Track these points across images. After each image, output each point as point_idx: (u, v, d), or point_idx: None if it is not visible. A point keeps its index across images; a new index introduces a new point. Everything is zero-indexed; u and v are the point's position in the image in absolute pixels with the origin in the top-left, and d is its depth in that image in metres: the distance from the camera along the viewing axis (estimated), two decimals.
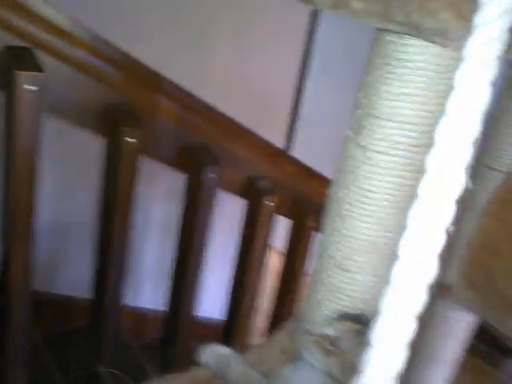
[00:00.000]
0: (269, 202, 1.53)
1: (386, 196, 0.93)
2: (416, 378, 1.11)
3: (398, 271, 0.42)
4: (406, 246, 0.42)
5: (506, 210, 0.92)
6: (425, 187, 0.41)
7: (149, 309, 2.57)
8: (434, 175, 0.41)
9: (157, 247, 2.39)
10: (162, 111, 1.31)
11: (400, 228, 1.04)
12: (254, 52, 2.28)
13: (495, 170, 1.21)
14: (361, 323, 0.99)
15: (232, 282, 1.70)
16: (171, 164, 1.44)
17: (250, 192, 1.56)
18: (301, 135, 2.74)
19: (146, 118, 1.26)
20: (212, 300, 2.10)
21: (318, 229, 1.79)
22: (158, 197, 2.23)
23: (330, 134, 2.55)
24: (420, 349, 1.39)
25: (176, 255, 1.53)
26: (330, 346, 0.95)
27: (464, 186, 0.42)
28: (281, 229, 1.83)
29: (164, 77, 1.32)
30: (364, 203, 0.95)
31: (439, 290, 1.46)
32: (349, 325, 0.98)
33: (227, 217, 1.82)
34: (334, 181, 1.02)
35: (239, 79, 2.27)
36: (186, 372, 1.04)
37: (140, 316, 2.25)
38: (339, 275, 1.03)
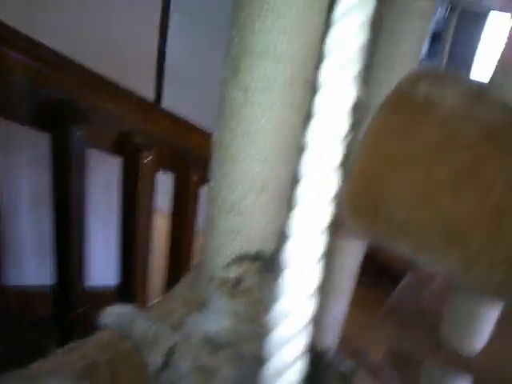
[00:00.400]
0: (147, 158, 1.46)
1: (270, 136, 0.94)
2: None
3: (301, 191, 0.42)
4: (307, 165, 0.42)
5: (384, 135, 0.99)
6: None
7: (34, 286, 2.41)
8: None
9: (33, 222, 2.20)
10: (10, 64, 1.15)
11: (286, 165, 1.05)
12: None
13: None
14: (260, 261, 1.02)
15: (120, 247, 1.63)
16: (32, 124, 1.30)
17: (126, 148, 1.48)
18: (169, 93, 2.69)
19: None
20: (102, 267, 2.01)
21: (202, 183, 1.77)
22: (23, 166, 2.02)
23: (197, 86, 2.61)
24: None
25: (54, 228, 1.41)
26: (234, 288, 0.97)
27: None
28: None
29: (13, 29, 1.16)
30: (249, 145, 0.95)
31: (332, 222, 1.55)
32: (248, 265, 1.00)
33: (105, 177, 1.71)
34: (217, 126, 1.00)
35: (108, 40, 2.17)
36: (87, 338, 0.99)
37: (25, 294, 2.10)
38: (233, 219, 1.03)
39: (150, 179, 1.53)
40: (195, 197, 1.73)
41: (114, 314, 1.02)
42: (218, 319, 0.99)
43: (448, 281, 2.03)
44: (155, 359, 1.02)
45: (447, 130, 0.83)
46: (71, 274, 1.45)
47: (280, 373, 0.39)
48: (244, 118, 0.94)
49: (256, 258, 1.02)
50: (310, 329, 0.41)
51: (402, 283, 2.02)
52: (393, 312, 1.86)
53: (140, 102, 1.56)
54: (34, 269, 2.25)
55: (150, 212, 1.56)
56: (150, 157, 1.49)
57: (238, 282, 0.96)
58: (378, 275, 1.86)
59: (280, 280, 0.41)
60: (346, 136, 0.41)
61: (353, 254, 1.58)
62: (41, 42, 1.23)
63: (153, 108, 1.61)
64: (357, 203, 1.12)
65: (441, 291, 2.01)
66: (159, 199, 1.68)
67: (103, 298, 1.94)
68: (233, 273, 0.99)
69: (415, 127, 1.00)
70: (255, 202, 1.02)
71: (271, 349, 0.40)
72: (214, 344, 0.96)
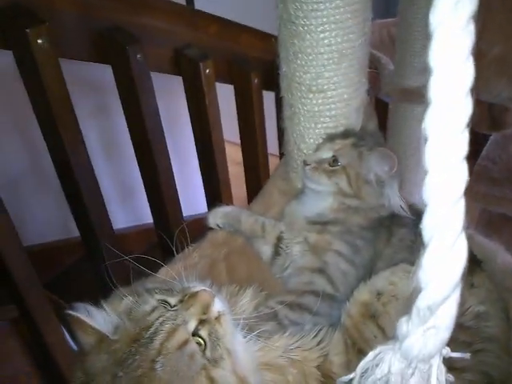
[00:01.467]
0: (206, 69, 1.42)
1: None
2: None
3: None
4: None
5: None
6: None
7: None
8: None
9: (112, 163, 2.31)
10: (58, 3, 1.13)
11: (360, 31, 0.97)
12: None
13: None
14: (352, 137, 0.99)
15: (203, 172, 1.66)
16: (91, 58, 1.29)
17: (182, 64, 1.45)
18: None
19: (45, 15, 1.08)
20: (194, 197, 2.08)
21: (262, 86, 1.72)
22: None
23: None
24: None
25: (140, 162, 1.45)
26: (330, 166, 0.96)
27: None
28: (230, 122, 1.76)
29: None
30: (318, 10, 0.89)
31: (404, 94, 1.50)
32: (341, 142, 0.98)
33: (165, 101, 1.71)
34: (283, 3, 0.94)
35: None
36: (202, 239, 1.04)
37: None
38: (313, 98, 1.01)
39: (214, 92, 1.50)
40: (259, 100, 1.69)
41: (220, 214, 1.06)
42: (318, 201, 1.00)
43: None
44: (265, 249, 1.05)
45: None
46: (170, 207, 1.52)
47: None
48: None
49: (346, 134, 1.01)
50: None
51: (488, 143, 1.95)
52: (483, 173, 1.82)
53: (182, 10, 1.51)
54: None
55: (218, 122, 1.55)
56: (209, 69, 1.45)
57: (334, 159, 0.96)
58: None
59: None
60: None
61: None
62: None
63: (196, 14, 1.54)
64: None
65: None
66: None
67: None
68: (326, 153, 0.98)
69: None
70: (334, 76, 0.98)
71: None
72: (319, 224, 0.97)
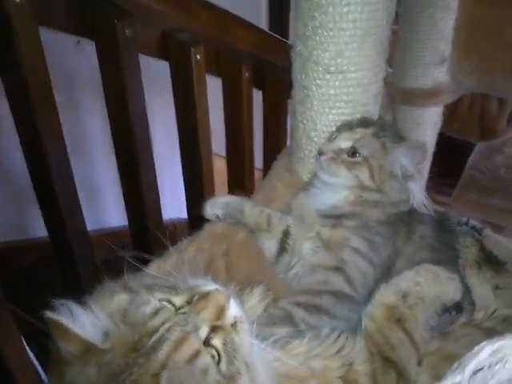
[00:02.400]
0: (197, 54, 1.32)
1: None
2: None
3: None
4: None
5: None
6: None
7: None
8: None
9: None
10: None
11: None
12: None
13: None
14: (370, 126, 0.91)
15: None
16: (76, 31, 1.17)
17: (172, 47, 1.34)
18: None
19: None
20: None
21: (254, 83, 1.63)
22: None
23: None
24: None
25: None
26: (349, 157, 0.86)
27: None
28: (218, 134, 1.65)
29: None
30: None
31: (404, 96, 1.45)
32: (361, 130, 0.89)
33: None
34: None
35: None
36: (200, 231, 0.92)
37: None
38: (330, 80, 0.92)
39: (203, 80, 1.40)
40: (249, 96, 1.59)
41: (220, 204, 0.94)
42: (332, 193, 0.91)
43: None
44: (270, 245, 0.92)
45: None
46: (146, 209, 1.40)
47: None
48: None
49: (366, 123, 0.90)
50: None
51: (474, 153, 1.94)
52: (471, 182, 1.80)
53: None
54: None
55: (205, 112, 1.44)
56: (199, 55, 1.35)
57: (354, 150, 0.86)
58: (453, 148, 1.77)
59: None
60: None
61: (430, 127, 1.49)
62: None
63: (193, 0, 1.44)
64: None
65: None
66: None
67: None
68: (345, 142, 0.88)
69: None
70: (355, 56, 0.88)
71: None
72: (333, 217, 0.88)
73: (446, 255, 0.87)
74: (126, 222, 1.57)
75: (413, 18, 1.33)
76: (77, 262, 1.36)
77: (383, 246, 0.84)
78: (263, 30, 1.67)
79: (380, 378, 0.68)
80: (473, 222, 0.94)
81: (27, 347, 1.13)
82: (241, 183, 1.76)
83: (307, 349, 0.68)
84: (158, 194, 1.47)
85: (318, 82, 0.90)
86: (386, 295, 0.76)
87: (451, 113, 1.58)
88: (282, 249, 0.91)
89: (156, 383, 0.49)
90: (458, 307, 0.81)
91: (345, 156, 0.87)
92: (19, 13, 0.95)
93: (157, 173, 1.45)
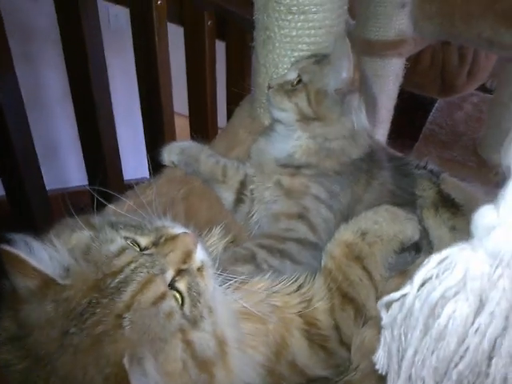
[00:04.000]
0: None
1: None
2: None
3: None
4: None
5: None
6: None
7: None
8: None
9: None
10: None
11: None
12: None
13: None
14: (315, 56, 0.88)
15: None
16: None
17: None
18: None
19: None
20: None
21: (217, 34, 1.58)
22: None
23: None
24: None
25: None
26: (292, 87, 0.86)
27: None
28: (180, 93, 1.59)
29: None
30: None
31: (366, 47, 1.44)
32: (305, 62, 0.88)
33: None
34: None
35: None
36: (158, 176, 0.90)
37: None
38: (292, 21, 0.89)
39: (165, 28, 1.35)
40: (212, 46, 1.55)
41: (177, 150, 0.92)
42: (288, 139, 0.88)
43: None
44: (227, 196, 0.92)
45: None
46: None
47: None
48: None
49: (313, 55, 0.90)
50: None
51: (434, 110, 1.97)
52: (431, 137, 1.83)
53: None
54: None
55: (167, 62, 1.40)
56: (159, 0, 1.30)
57: (298, 79, 0.86)
58: (414, 104, 1.79)
59: None
60: None
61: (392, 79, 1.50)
62: None
63: None
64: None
65: (472, 114, 1.99)
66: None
67: None
68: (291, 73, 0.88)
69: None
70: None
71: None
72: (291, 167, 0.86)
73: (405, 200, 0.88)
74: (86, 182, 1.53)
75: None
76: (36, 222, 1.33)
77: (342, 194, 0.85)
78: None
79: (338, 315, 0.69)
80: (431, 166, 0.96)
81: None
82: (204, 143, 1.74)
83: (267, 285, 0.68)
84: (118, 152, 1.44)
85: (279, 22, 0.88)
86: (345, 234, 0.76)
87: (413, 67, 1.58)
88: (239, 200, 0.91)
89: (119, 324, 0.48)
90: (416, 247, 0.83)
91: (289, 87, 0.87)
92: None
93: (118, 132, 1.41)
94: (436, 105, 2.01)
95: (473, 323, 0.31)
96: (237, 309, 0.63)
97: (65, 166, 2.40)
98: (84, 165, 1.50)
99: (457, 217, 0.88)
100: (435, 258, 0.34)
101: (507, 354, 0.31)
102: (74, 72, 1.28)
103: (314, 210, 0.83)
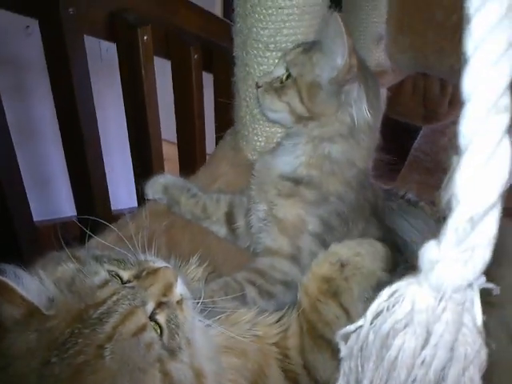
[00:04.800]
0: (144, 35, 1.31)
1: None
2: None
3: None
4: None
5: None
6: None
7: None
8: None
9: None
10: None
11: None
12: None
13: None
14: (303, 45, 0.84)
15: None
16: (17, 9, 1.14)
17: (119, 28, 1.32)
18: None
19: None
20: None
21: (204, 66, 1.62)
22: None
23: None
24: None
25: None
26: (280, 83, 0.82)
27: None
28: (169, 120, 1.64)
29: None
30: None
31: None
32: (293, 51, 0.83)
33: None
34: None
35: None
36: (139, 209, 0.92)
37: None
38: (270, 57, 0.92)
39: (151, 62, 1.39)
40: (199, 78, 1.59)
41: (159, 187, 0.92)
42: (296, 151, 0.83)
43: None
44: (217, 229, 0.92)
45: None
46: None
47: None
48: None
49: (299, 45, 0.85)
50: None
51: (419, 137, 2.01)
52: (416, 164, 1.87)
53: None
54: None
55: (154, 95, 1.43)
56: (146, 36, 1.34)
57: (287, 74, 0.81)
58: (399, 133, 1.82)
59: None
60: None
61: None
62: None
63: None
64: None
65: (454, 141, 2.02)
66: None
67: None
68: (279, 69, 0.84)
69: None
70: (293, 34, 0.90)
71: None
72: (291, 180, 0.81)
73: (388, 235, 0.86)
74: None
75: (355, 2, 1.36)
76: (23, 252, 1.33)
77: (339, 230, 0.81)
78: (211, 13, 1.67)
79: (312, 357, 0.68)
80: (409, 196, 0.98)
81: None
82: (192, 170, 1.77)
83: (251, 317, 0.69)
84: (105, 182, 1.46)
85: (258, 59, 0.92)
86: (323, 266, 0.74)
87: (395, 96, 1.62)
88: (232, 233, 0.91)
89: (100, 355, 0.49)
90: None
91: (278, 84, 0.82)
92: None
93: (110, 161, 1.44)
94: (421, 132, 2.05)
95: (420, 355, 0.33)
96: (219, 342, 0.65)
97: (55, 196, 2.41)
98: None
99: None
100: (386, 291, 0.36)
101: None
102: (62, 104, 1.31)
103: (307, 251, 0.80)
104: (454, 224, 0.31)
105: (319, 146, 0.81)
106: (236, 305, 0.72)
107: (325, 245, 0.78)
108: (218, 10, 2.86)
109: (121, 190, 2.03)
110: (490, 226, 0.31)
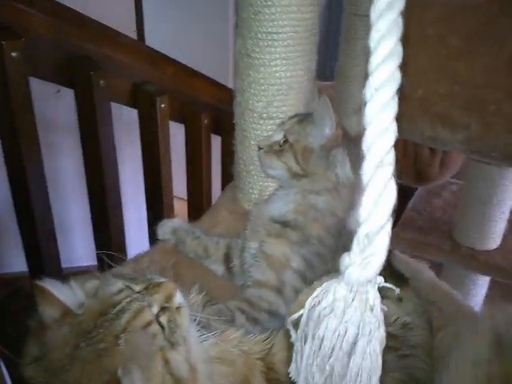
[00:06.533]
0: (162, 103, 1.52)
1: (290, 34, 1.02)
2: None
3: None
4: None
5: None
6: None
7: None
8: None
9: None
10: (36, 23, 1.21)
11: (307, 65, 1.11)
12: None
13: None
14: (297, 116, 1.03)
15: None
16: (58, 80, 1.36)
17: (140, 97, 1.54)
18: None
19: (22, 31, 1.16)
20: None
21: (212, 128, 1.84)
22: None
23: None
24: None
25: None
26: (280, 147, 0.99)
27: None
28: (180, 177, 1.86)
29: None
30: (272, 46, 1.03)
31: None
32: (289, 121, 1.01)
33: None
34: (237, 32, 1.07)
35: None
36: (153, 247, 1.08)
37: None
38: (263, 124, 1.12)
39: (167, 128, 1.60)
40: (207, 139, 1.80)
41: (169, 229, 1.09)
42: (287, 199, 0.98)
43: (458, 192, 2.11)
44: (216, 268, 1.08)
45: None
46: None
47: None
48: (264, 19, 1.00)
49: (294, 116, 1.03)
50: None
51: (414, 197, 2.14)
52: (409, 223, 1.99)
53: (145, 49, 1.62)
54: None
55: (168, 156, 1.63)
56: (165, 104, 1.55)
57: (285, 140, 0.98)
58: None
59: None
60: None
61: None
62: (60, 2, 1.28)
63: (157, 55, 1.65)
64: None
65: (450, 201, 2.13)
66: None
67: None
68: (278, 135, 1.01)
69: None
70: (282, 106, 1.09)
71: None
72: (280, 223, 0.95)
73: None
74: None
75: (346, 73, 1.55)
76: None
77: (320, 268, 0.94)
78: (221, 84, 1.90)
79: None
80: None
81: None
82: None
83: (239, 335, 0.82)
84: (123, 232, 1.63)
85: (253, 125, 1.11)
86: (307, 295, 0.89)
87: None
88: (230, 272, 1.06)
89: (116, 342, 0.63)
90: None
91: (277, 147, 1.00)
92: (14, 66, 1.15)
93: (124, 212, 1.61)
94: (416, 192, 2.18)
95: (337, 330, 0.47)
96: (210, 352, 0.78)
97: (73, 245, 2.56)
98: (93, 244, 1.68)
99: (403, 289, 0.95)
100: (319, 288, 0.50)
101: (360, 354, 0.47)
102: (88, 159, 1.50)
103: (290, 285, 0.93)
104: (358, 239, 0.46)
105: (307, 196, 0.97)
106: (226, 327, 0.86)
107: (306, 281, 0.91)
108: (230, 80, 3.14)
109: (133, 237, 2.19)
110: (382, 240, 0.46)
